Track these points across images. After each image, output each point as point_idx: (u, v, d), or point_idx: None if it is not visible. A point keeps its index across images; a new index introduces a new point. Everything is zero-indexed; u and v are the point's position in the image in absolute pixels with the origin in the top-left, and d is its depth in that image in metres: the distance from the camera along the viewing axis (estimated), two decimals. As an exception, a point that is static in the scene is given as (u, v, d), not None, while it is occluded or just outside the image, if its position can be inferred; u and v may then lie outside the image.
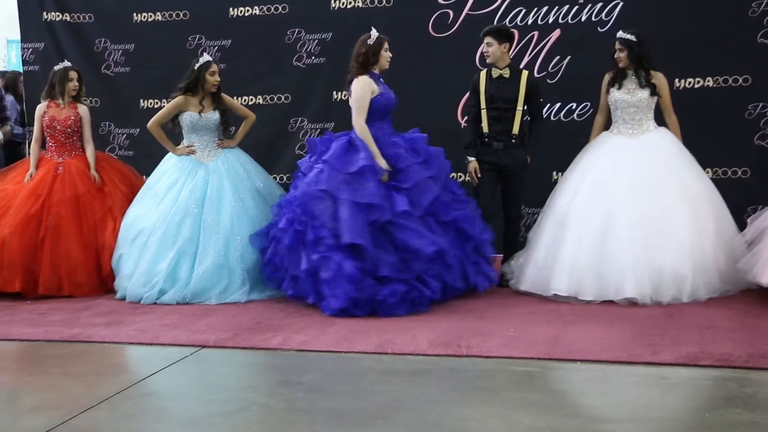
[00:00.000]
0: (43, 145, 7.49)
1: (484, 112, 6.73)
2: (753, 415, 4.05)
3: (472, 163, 6.68)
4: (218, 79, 7.10)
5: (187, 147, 7.16)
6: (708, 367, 4.72)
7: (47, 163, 7.31)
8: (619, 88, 6.51)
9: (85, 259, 7.07)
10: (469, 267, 6.41)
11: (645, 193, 6.18)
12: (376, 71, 6.55)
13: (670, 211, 6.11)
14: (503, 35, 6.70)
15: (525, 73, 6.82)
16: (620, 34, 6.49)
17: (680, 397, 4.44)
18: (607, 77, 6.61)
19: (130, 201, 7.28)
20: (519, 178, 6.77)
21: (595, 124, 6.78)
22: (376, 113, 6.46)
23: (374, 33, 6.64)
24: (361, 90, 6.39)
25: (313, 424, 4.12)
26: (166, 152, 7.28)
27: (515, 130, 6.70)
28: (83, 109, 7.49)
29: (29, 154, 7.66)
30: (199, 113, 7.06)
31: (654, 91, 6.43)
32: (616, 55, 6.49)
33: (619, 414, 4.20)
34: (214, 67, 7.10)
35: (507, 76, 6.72)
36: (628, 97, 6.45)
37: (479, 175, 6.67)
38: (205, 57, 7.19)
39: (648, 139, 6.46)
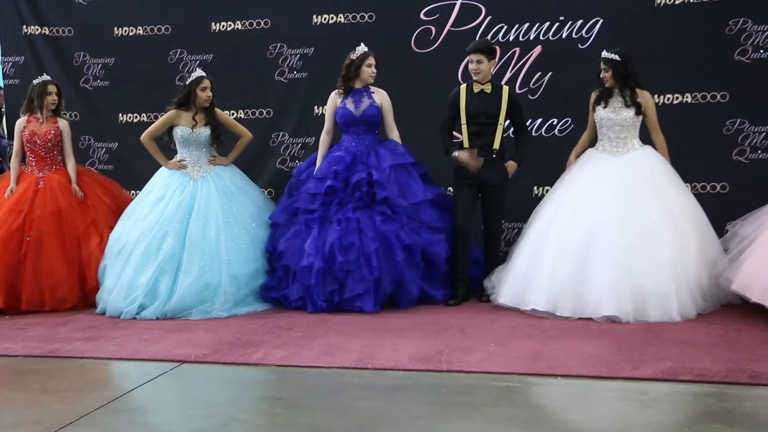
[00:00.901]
0: (23, 159, 7.46)
1: (464, 127, 6.72)
2: (732, 430, 4.06)
3: (461, 152, 6.63)
4: (210, 94, 7.10)
5: (179, 161, 7.17)
6: (687, 382, 4.73)
7: (27, 177, 7.28)
8: (605, 107, 6.51)
9: (67, 273, 7.03)
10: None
11: (627, 212, 6.17)
12: (358, 85, 6.71)
13: (652, 230, 6.09)
14: (492, 52, 6.76)
15: (506, 89, 6.83)
16: (604, 53, 6.47)
17: (660, 412, 4.43)
18: (593, 95, 6.62)
19: (114, 214, 7.30)
20: (500, 193, 6.78)
21: (580, 140, 6.78)
22: (339, 126, 6.97)
23: (360, 48, 6.79)
24: (328, 103, 7.00)
25: (293, 440, 4.12)
26: (148, 166, 7.30)
27: (496, 145, 6.71)
28: (63, 124, 7.47)
29: (9, 168, 7.63)
30: (192, 128, 7.07)
31: (639, 110, 6.43)
32: (601, 75, 6.48)
33: (599, 429, 4.23)
34: (206, 83, 7.10)
35: (489, 91, 6.72)
36: (613, 116, 6.46)
37: (479, 164, 6.58)
38: (198, 72, 7.24)
39: (632, 157, 6.46)
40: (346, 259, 6.47)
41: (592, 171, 6.47)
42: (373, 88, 6.91)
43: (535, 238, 6.42)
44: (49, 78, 7.64)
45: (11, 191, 7.22)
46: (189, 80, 7.14)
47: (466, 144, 6.71)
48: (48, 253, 6.98)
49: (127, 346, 5.88)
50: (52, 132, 7.34)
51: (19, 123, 7.41)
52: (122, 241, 6.95)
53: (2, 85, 8.38)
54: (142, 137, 7.25)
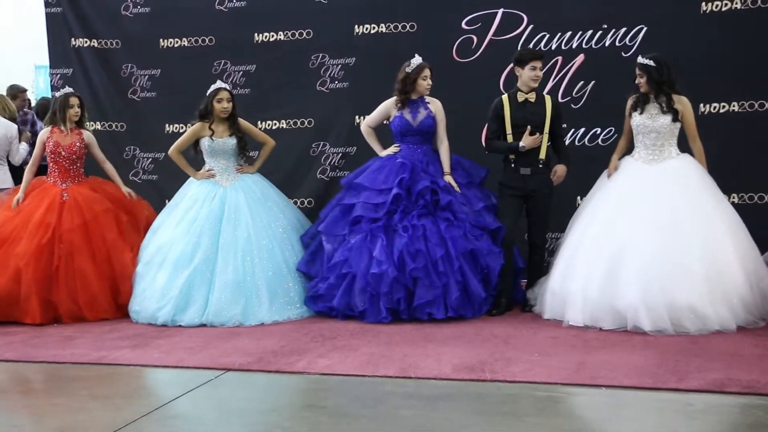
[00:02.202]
0: (44, 171, 7.49)
1: (510, 137, 6.68)
2: (778, 442, 4.06)
3: (525, 140, 6.56)
4: (226, 105, 7.13)
5: (207, 171, 7.25)
6: (734, 394, 4.69)
7: (51, 189, 7.24)
8: (641, 113, 6.41)
9: (101, 286, 7.04)
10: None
11: (660, 224, 6.06)
12: (415, 96, 6.81)
13: (685, 242, 5.99)
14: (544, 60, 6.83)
15: (548, 98, 6.82)
16: (639, 59, 6.40)
17: (706, 424, 4.41)
18: (630, 101, 6.53)
19: (133, 226, 7.36)
20: (545, 203, 6.77)
21: (618, 146, 6.71)
22: (395, 135, 7.01)
23: (415, 61, 6.82)
24: (382, 106, 7.08)
25: (338, 449, 4.14)
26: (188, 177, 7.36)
27: (542, 154, 6.69)
28: (88, 135, 7.48)
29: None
30: (211, 138, 7.14)
31: (676, 117, 6.32)
32: (636, 81, 6.40)
33: (644, 440, 4.22)
34: (222, 94, 7.15)
35: (533, 100, 6.70)
36: (649, 122, 6.36)
37: (539, 140, 6.60)
38: (217, 84, 7.29)
39: (668, 166, 6.35)
40: (416, 266, 6.48)
41: (626, 181, 6.38)
42: (428, 98, 6.93)
43: (570, 252, 6.37)
44: (71, 90, 7.66)
45: (17, 201, 7.21)
46: (208, 92, 7.21)
47: (512, 154, 6.70)
48: (80, 266, 6.97)
49: (172, 354, 5.93)
50: (78, 144, 7.34)
51: (43, 134, 7.40)
52: (154, 248, 7.03)
53: (49, 96, 8.47)
54: (169, 151, 7.35)
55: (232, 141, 7.20)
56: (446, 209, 6.67)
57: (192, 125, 7.27)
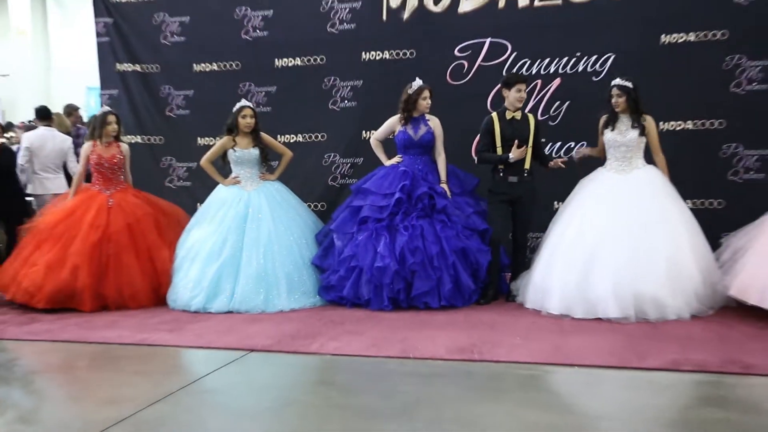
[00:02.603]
0: (87, 179, 7.50)
1: (499, 150, 6.70)
2: (726, 414, 4.09)
3: (513, 152, 6.58)
4: (249, 121, 7.15)
5: (234, 178, 7.28)
6: (688, 371, 4.75)
7: (97, 195, 7.20)
8: (612, 130, 6.45)
9: (144, 282, 7.01)
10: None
11: (630, 226, 6.10)
12: (416, 114, 6.91)
13: (651, 242, 6.02)
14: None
15: (531, 116, 6.85)
16: (618, 81, 6.43)
17: (664, 398, 4.44)
18: (602, 120, 6.57)
19: (173, 227, 7.35)
20: (529, 208, 6.80)
21: (593, 149, 6.79)
22: (399, 147, 7.02)
23: (416, 84, 6.87)
24: (388, 123, 7.09)
25: (345, 419, 4.16)
26: (218, 184, 7.40)
27: (527, 165, 6.71)
28: (125, 148, 7.46)
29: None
30: (233, 149, 7.18)
31: (642, 132, 6.36)
32: (614, 101, 6.41)
33: (611, 412, 4.23)
34: (246, 111, 7.18)
35: (519, 118, 6.73)
36: (619, 138, 6.40)
37: (519, 148, 6.59)
38: (242, 102, 7.31)
39: (636, 176, 6.40)
40: (414, 261, 6.51)
41: (600, 189, 6.42)
42: (428, 116, 6.96)
43: (550, 251, 6.40)
44: (109, 109, 7.67)
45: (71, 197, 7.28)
46: (234, 109, 7.24)
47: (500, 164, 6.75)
48: (126, 263, 6.95)
49: (204, 336, 5.96)
50: (117, 156, 7.31)
51: (86, 148, 7.35)
52: (189, 244, 7.05)
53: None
54: (201, 162, 7.37)
55: (255, 152, 7.23)
56: (441, 212, 6.71)
57: (220, 138, 7.31)
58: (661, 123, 7.03)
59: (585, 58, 7.51)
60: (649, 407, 4.27)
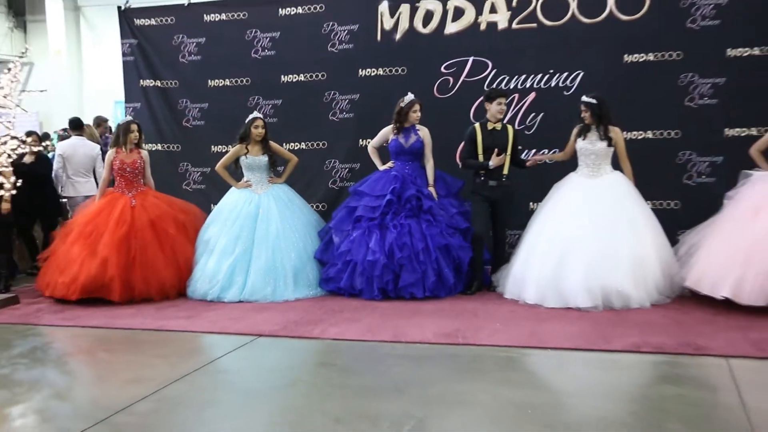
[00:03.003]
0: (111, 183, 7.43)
1: (481, 157, 6.69)
2: (681, 390, 4.11)
3: (493, 160, 6.60)
4: (261, 131, 7.12)
5: (245, 182, 7.25)
6: (647, 353, 4.77)
7: (120, 197, 7.11)
8: (584, 139, 6.45)
9: (167, 273, 6.90)
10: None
11: (599, 225, 6.10)
12: (407, 125, 6.91)
13: (617, 240, 6.02)
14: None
15: (510, 127, 6.84)
16: (584, 98, 6.46)
17: (626, 376, 4.46)
18: (575, 130, 6.56)
19: (193, 224, 7.28)
20: (506, 208, 6.81)
21: (559, 153, 6.83)
22: (391, 154, 7.03)
23: (408, 97, 6.90)
24: (382, 132, 7.08)
25: (344, 397, 4.18)
26: (230, 187, 7.38)
27: (506, 170, 6.72)
28: (145, 154, 7.38)
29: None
30: (245, 155, 7.15)
31: (610, 143, 6.37)
32: (582, 114, 6.44)
33: (580, 389, 4.25)
34: (258, 122, 7.14)
35: (499, 128, 6.72)
36: (590, 146, 6.41)
37: (498, 156, 6.59)
38: (254, 114, 7.29)
39: (604, 181, 6.40)
40: (401, 255, 6.50)
41: (572, 193, 6.41)
42: (418, 126, 6.94)
43: (527, 247, 6.39)
44: (131, 118, 7.62)
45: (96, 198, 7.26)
46: (246, 120, 7.21)
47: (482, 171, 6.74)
48: (152, 256, 6.87)
49: (217, 323, 5.96)
50: (138, 162, 7.23)
51: (110, 155, 7.28)
52: (206, 239, 7.03)
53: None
54: (216, 168, 7.34)
55: (265, 158, 7.21)
56: (428, 212, 6.69)
57: (233, 146, 7.28)
58: (624, 132, 7.02)
59: (557, 75, 7.48)
60: (613, 385, 4.29)
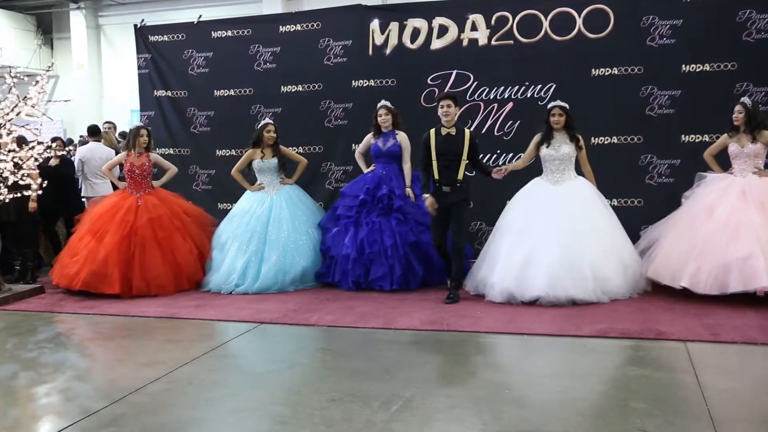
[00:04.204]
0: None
1: (435, 163, 6.01)
2: (643, 371, 4.14)
3: (429, 198, 5.99)
4: (273, 135, 7.06)
5: (258, 185, 7.18)
6: (613, 338, 4.78)
7: (128, 197, 7.01)
8: (547, 146, 6.08)
9: (164, 268, 6.75)
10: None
11: (562, 230, 5.78)
12: (384, 130, 6.80)
13: (579, 243, 5.72)
14: (458, 100, 6.22)
15: (467, 131, 6.14)
16: (560, 102, 6.14)
17: (595, 359, 4.47)
18: (538, 137, 6.18)
19: (197, 225, 7.18)
20: (461, 213, 6.06)
21: (517, 162, 6.49)
22: (372, 156, 6.94)
23: (380, 104, 6.80)
24: (366, 139, 6.97)
25: (338, 378, 4.18)
26: (234, 187, 7.30)
27: (460, 176, 5.98)
28: (154, 156, 7.27)
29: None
30: (261, 159, 7.08)
31: (579, 146, 6.06)
32: (554, 119, 6.04)
33: (553, 370, 4.26)
34: (270, 127, 7.08)
35: (454, 133, 6.02)
36: (553, 153, 6.05)
37: (435, 207, 5.98)
38: (265, 120, 7.23)
39: (569, 185, 6.07)
40: (371, 251, 6.45)
41: (536, 198, 6.07)
42: (398, 132, 6.81)
43: (491, 254, 6.06)
44: (141, 124, 7.54)
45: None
46: (258, 126, 7.15)
47: (436, 175, 6.02)
48: (150, 252, 6.73)
49: (224, 311, 5.94)
50: (146, 164, 7.11)
51: (120, 157, 7.24)
52: (222, 239, 6.96)
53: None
54: (232, 172, 7.25)
55: (275, 161, 7.09)
56: (398, 211, 6.56)
57: (246, 151, 7.18)
58: (592, 138, 7.09)
59: (532, 86, 7.48)
60: (583, 367, 4.30)
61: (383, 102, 6.87)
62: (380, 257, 6.46)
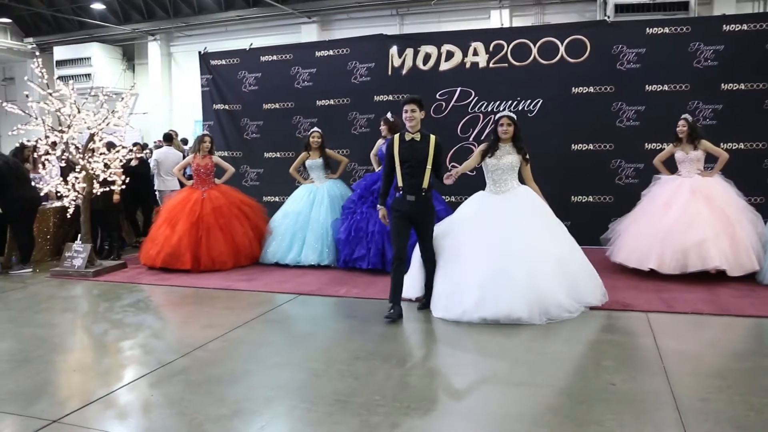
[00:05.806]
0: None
1: (398, 169, 4.75)
2: (612, 336, 4.14)
3: (382, 210, 4.94)
4: (317, 140, 7.05)
5: (310, 179, 7.19)
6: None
7: (195, 192, 7.03)
8: (491, 156, 4.92)
9: (225, 248, 6.76)
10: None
11: (497, 244, 4.65)
12: (388, 137, 6.57)
13: (513, 259, 4.57)
14: (422, 104, 4.81)
15: (433, 138, 4.78)
16: (508, 112, 4.99)
17: (574, 326, 4.43)
18: (483, 147, 5.02)
19: (254, 212, 7.16)
20: (428, 225, 4.84)
21: (465, 165, 5.02)
22: (380, 158, 6.66)
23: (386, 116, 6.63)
24: (376, 144, 6.83)
25: (363, 340, 4.19)
26: (280, 182, 7.31)
27: (425, 184, 4.70)
28: (215, 158, 7.28)
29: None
30: (310, 159, 7.10)
31: (524, 158, 4.94)
32: (503, 129, 4.90)
33: (541, 334, 4.21)
34: (315, 134, 7.08)
35: (418, 139, 4.74)
36: (496, 162, 4.89)
37: (388, 220, 4.91)
38: (313, 129, 7.23)
39: (510, 195, 4.91)
40: (356, 236, 6.37)
41: (478, 211, 4.93)
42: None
43: (441, 266, 4.88)
44: (205, 132, 7.62)
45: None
46: (308, 133, 7.18)
47: (400, 182, 4.75)
48: (214, 235, 6.77)
49: (269, 284, 5.96)
50: (209, 165, 7.13)
51: (189, 159, 7.28)
52: (278, 221, 7.00)
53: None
54: (290, 170, 7.22)
55: (320, 161, 7.09)
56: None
57: (300, 154, 7.20)
58: (572, 145, 7.07)
59: (523, 101, 7.43)
60: (562, 332, 4.27)
61: (385, 115, 6.78)
62: (362, 241, 6.36)
